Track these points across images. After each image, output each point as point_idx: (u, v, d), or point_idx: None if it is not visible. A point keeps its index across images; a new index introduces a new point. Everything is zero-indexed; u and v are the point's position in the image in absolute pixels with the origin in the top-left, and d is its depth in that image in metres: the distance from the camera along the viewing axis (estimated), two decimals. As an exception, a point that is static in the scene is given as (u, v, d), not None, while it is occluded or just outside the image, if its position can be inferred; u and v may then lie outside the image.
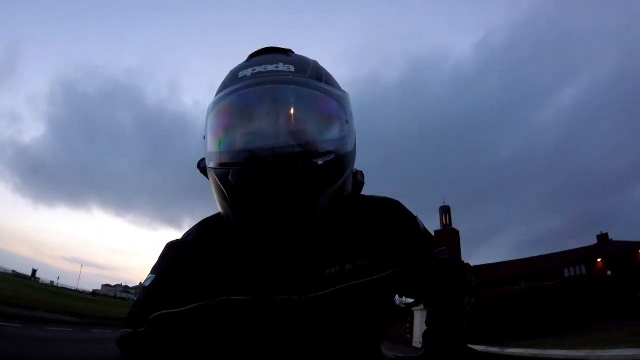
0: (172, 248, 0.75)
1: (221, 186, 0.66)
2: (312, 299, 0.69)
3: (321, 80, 0.72)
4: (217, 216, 0.78)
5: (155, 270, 0.72)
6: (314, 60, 0.76)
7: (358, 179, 0.79)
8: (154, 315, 0.64)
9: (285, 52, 0.75)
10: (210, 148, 0.70)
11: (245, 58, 0.76)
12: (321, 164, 0.64)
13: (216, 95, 0.72)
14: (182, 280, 0.69)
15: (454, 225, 40.69)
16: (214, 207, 0.74)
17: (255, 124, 0.66)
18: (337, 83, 0.77)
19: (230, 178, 0.64)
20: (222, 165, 0.66)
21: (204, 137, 0.72)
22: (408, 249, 0.80)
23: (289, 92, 0.67)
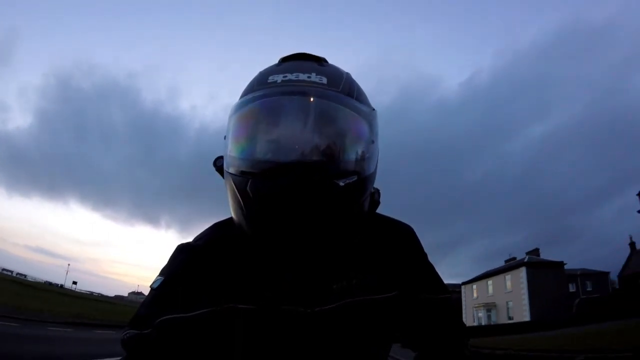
0: (182, 251, 0.75)
1: (237, 194, 0.64)
2: (318, 312, 0.68)
3: (352, 96, 0.69)
4: (228, 221, 0.76)
5: (164, 272, 0.71)
6: (346, 73, 0.74)
7: (375, 198, 0.77)
8: (161, 319, 0.64)
9: (319, 61, 0.73)
10: (230, 152, 0.67)
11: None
12: (342, 186, 0.62)
13: (242, 96, 0.70)
14: (190, 285, 0.68)
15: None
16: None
17: (279, 134, 0.64)
18: (366, 98, 0.74)
19: (247, 188, 0.62)
20: (241, 172, 0.64)
21: (225, 137, 0.70)
22: (413, 276, 0.78)
23: (318, 105, 0.64)
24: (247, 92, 0.70)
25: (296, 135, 0.63)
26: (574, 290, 33.26)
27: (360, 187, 0.66)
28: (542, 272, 31.46)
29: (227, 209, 0.74)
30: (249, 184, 0.62)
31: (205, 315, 0.66)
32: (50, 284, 67.26)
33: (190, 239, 0.79)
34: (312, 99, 0.64)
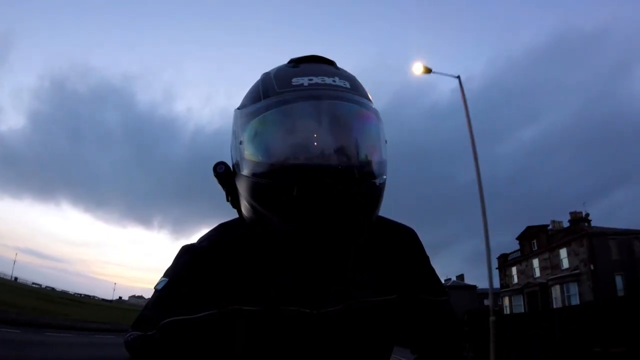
0: (186, 252, 0.75)
1: (277, 199, 0.65)
2: (323, 313, 0.70)
3: (369, 99, 0.72)
4: (234, 222, 0.79)
5: (169, 273, 0.72)
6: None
7: None
8: (165, 321, 0.64)
9: (333, 64, 0.74)
10: (261, 156, 0.66)
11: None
12: (378, 185, 0.67)
13: (255, 100, 0.70)
14: (195, 287, 0.69)
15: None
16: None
17: (317, 139, 0.64)
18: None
19: (295, 193, 0.63)
20: (282, 177, 0.64)
21: (240, 143, 0.69)
22: (413, 277, 0.81)
23: (352, 110, 0.67)
24: (266, 94, 0.69)
25: (335, 140, 0.65)
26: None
27: (384, 186, 0.71)
28: (459, 292, 46.10)
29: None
30: (295, 189, 0.62)
31: (209, 317, 0.67)
32: (104, 300, 76.00)
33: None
34: (346, 104, 0.67)
